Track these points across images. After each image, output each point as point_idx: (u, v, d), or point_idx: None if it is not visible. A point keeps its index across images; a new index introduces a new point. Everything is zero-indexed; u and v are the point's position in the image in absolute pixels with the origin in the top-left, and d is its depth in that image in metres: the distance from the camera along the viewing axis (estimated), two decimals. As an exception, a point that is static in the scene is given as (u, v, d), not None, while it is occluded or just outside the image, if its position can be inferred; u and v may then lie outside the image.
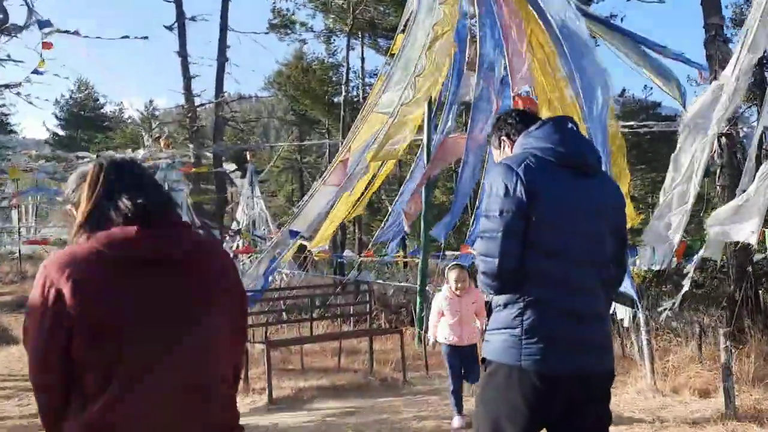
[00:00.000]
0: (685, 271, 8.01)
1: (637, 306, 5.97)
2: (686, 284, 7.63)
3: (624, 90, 26.10)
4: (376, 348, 7.72)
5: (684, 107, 10.75)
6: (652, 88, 26.01)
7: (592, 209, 2.38)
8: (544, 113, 10.11)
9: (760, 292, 7.75)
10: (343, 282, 10.95)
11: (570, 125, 2.50)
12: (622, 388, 5.66)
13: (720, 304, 12.03)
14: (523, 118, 2.66)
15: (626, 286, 6.06)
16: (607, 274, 2.41)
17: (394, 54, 10.28)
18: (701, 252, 7.12)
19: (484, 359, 2.43)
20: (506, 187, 2.29)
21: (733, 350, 4.58)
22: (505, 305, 2.35)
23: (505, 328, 2.33)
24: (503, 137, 2.69)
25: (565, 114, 9.70)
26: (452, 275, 5.40)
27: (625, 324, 8.22)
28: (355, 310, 8.84)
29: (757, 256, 9.78)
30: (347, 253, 14.08)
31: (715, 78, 8.13)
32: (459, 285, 5.33)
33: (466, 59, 10.76)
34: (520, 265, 2.27)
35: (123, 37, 12.63)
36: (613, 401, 5.32)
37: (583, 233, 2.34)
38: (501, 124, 2.73)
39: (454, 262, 5.72)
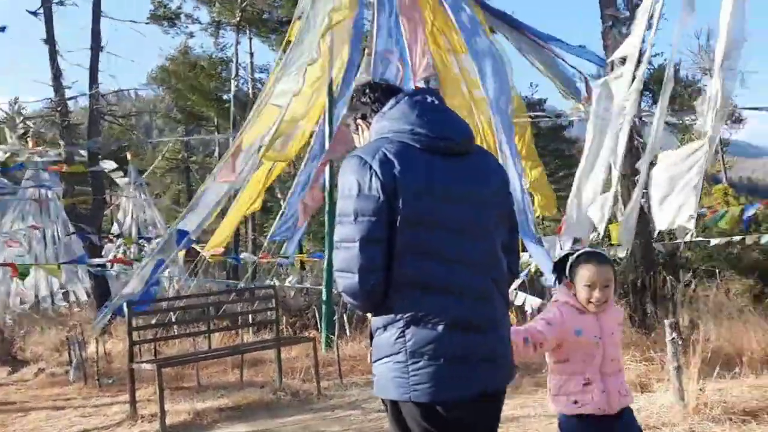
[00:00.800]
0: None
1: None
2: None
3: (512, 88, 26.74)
4: (282, 356, 7.02)
5: (580, 102, 10.92)
6: (537, 85, 26.85)
7: (472, 196, 2.00)
8: (450, 105, 9.86)
9: (669, 278, 7.80)
10: (247, 288, 10.12)
11: (431, 99, 2.07)
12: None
13: (617, 292, 12.37)
14: (380, 95, 2.18)
15: (550, 279, 5.77)
16: (499, 272, 2.04)
17: (291, 41, 9.68)
18: (621, 249, 7.07)
19: (383, 401, 2.03)
20: (359, 185, 1.92)
21: (680, 343, 4.34)
22: (385, 327, 1.95)
23: (388, 356, 1.94)
24: (359, 120, 2.25)
25: (475, 107, 9.54)
26: (587, 273, 2.66)
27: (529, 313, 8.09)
28: (255, 317, 8.06)
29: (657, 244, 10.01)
30: (244, 254, 13.20)
31: (612, 68, 8.19)
32: (598, 295, 2.64)
33: (367, 47, 10.34)
34: (386, 278, 1.92)
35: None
36: (548, 407, 4.99)
37: (464, 226, 1.97)
38: (355, 104, 2.27)
39: (586, 250, 2.85)
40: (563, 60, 9.50)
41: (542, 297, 8.09)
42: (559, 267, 2.77)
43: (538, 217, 9.68)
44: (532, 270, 8.07)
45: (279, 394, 6.12)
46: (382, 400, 2.02)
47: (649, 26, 6.44)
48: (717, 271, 11.42)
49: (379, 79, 9.16)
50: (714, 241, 9.81)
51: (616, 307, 2.84)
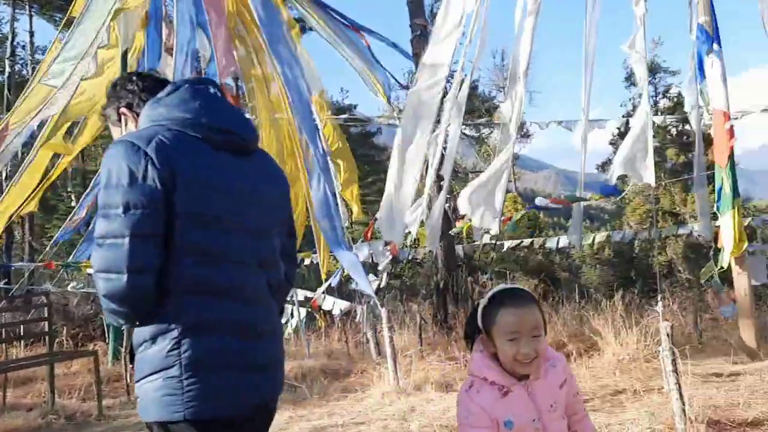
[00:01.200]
0: (376, 262, 8.11)
1: (376, 303, 5.59)
2: (383, 269, 7.67)
3: (322, 92, 26.91)
4: (57, 372, 6.10)
5: (389, 102, 11.15)
6: (348, 91, 27.32)
7: (253, 196, 1.90)
8: (257, 103, 9.44)
9: (469, 279, 8.12)
10: (19, 294, 8.78)
11: (213, 90, 1.94)
12: (364, 391, 5.15)
13: (419, 293, 12.82)
14: (150, 84, 2.04)
15: (362, 284, 5.66)
16: (276, 277, 1.94)
17: (74, 17, 8.64)
18: (426, 250, 7.19)
19: (148, 425, 1.78)
20: (131, 173, 1.69)
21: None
22: (154, 339, 1.72)
23: (157, 372, 1.71)
24: (123, 109, 2.04)
25: (275, 106, 9.23)
26: (507, 321, 1.83)
27: (334, 316, 7.97)
28: (27, 328, 6.95)
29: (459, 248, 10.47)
30: (20, 263, 11.59)
31: (420, 76, 8.41)
32: (526, 349, 1.80)
33: (165, 40, 9.59)
34: (159, 279, 1.70)
35: None
36: (358, 407, 4.83)
37: (244, 227, 1.85)
38: (119, 92, 2.06)
39: (501, 287, 1.96)
40: (380, 63, 9.54)
41: (351, 301, 8.00)
42: (471, 321, 1.92)
43: (350, 223, 9.65)
44: (343, 274, 7.95)
45: (50, 417, 5.24)
46: (147, 425, 1.75)
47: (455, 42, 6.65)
48: (507, 272, 12.28)
49: (181, 70, 8.50)
50: (507, 244, 10.49)
51: (557, 358, 1.95)
